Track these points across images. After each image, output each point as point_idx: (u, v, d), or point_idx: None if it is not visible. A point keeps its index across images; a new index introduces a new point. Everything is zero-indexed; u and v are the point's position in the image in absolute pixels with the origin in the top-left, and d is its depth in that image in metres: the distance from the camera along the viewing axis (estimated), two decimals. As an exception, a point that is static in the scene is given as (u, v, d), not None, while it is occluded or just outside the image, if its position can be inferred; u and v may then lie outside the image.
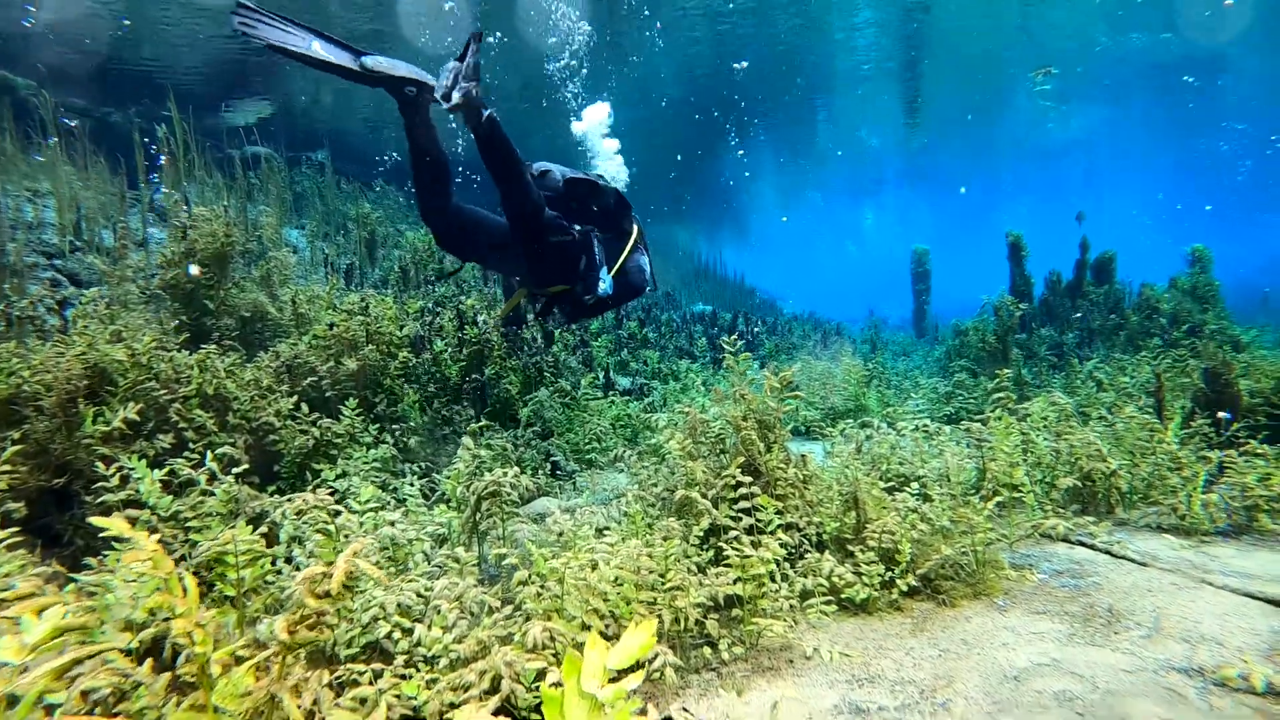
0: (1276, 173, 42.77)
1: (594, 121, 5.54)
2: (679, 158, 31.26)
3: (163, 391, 4.01)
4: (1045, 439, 4.77)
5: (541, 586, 2.74)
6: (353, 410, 4.84)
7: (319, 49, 3.84)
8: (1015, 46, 20.94)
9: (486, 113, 3.95)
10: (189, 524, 3.28)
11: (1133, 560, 3.60)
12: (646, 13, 15.79)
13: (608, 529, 4.16)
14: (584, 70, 13.80)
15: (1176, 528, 4.04)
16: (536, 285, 4.79)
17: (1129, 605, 3.02)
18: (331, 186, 13.92)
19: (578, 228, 4.60)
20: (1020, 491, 4.04)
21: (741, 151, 29.99)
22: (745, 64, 18.79)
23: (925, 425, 5.21)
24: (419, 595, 2.69)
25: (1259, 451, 4.31)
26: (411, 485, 4.42)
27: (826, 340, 13.92)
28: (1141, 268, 15.01)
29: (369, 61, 3.95)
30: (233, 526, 2.82)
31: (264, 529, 3.43)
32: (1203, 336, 9.42)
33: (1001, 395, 4.81)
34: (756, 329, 14.51)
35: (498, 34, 15.15)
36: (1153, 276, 12.62)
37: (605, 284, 4.62)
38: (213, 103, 13.44)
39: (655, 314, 14.26)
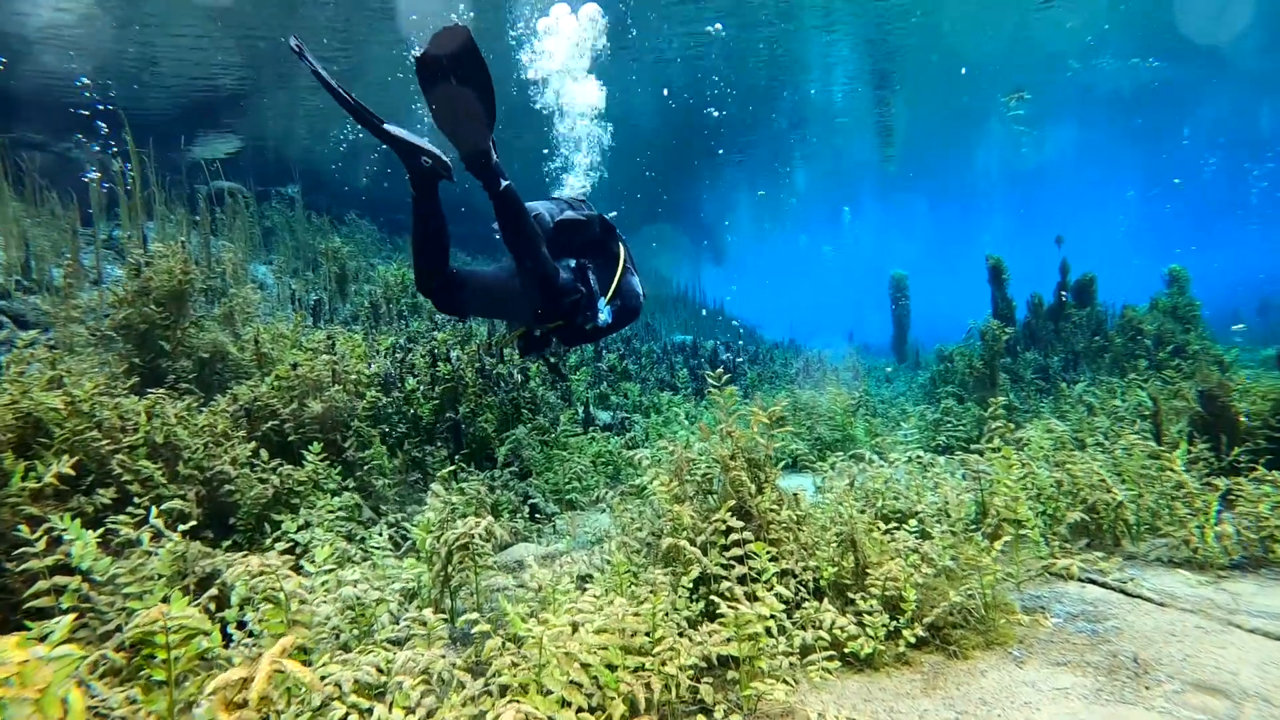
0: (1245, 184, 43.77)
1: (568, 42, 4.98)
2: (657, 190, 31.34)
3: (105, 441, 3.70)
4: (1044, 469, 4.57)
5: (518, 654, 2.47)
6: (317, 455, 4.55)
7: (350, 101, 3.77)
8: (990, 70, 21.26)
9: (505, 183, 3.92)
10: (128, 590, 2.98)
11: (1150, 600, 3.38)
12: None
13: (590, 577, 3.90)
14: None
15: (1189, 561, 3.84)
16: (537, 325, 4.67)
17: (1155, 653, 2.79)
18: (302, 221, 13.64)
19: (573, 263, 4.52)
20: (1025, 527, 3.82)
21: (721, 151, 29.83)
22: (720, 27, 18.62)
23: (919, 457, 5.01)
24: (379, 670, 2.41)
25: (1269, 478, 4.13)
26: (380, 535, 4.13)
27: (809, 368, 13.75)
28: (1120, 286, 15.06)
29: (390, 128, 3.88)
30: (166, 599, 2.52)
31: (215, 590, 3.14)
32: (1187, 357, 9.34)
33: (999, 425, 4.62)
34: (738, 358, 14.33)
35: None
36: (1131, 295, 12.64)
37: (604, 314, 4.56)
38: (182, 139, 13.17)
39: (635, 345, 14.05)
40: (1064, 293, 12.14)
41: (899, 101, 23.96)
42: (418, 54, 3.67)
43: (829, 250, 47.29)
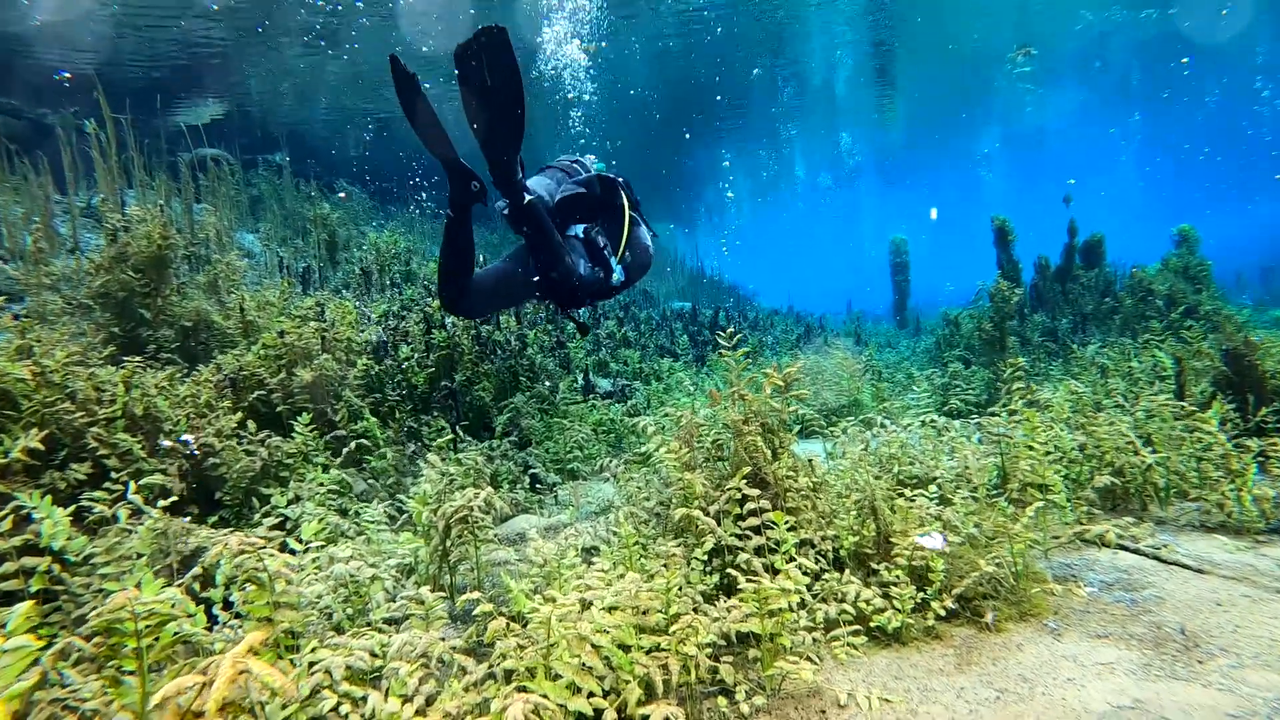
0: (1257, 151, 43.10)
1: None
2: (654, 159, 30.86)
3: (79, 414, 3.48)
4: (1067, 432, 4.38)
5: (523, 635, 2.28)
6: (306, 426, 4.34)
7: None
8: (994, 27, 20.78)
9: (529, 198, 4.02)
10: (104, 570, 2.79)
11: (1187, 566, 3.21)
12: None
13: (596, 549, 3.73)
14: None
15: (1224, 526, 3.67)
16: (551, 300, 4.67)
17: (1203, 624, 2.62)
18: (290, 188, 13.26)
19: (581, 230, 4.51)
20: (1053, 492, 3.64)
21: (719, 117, 29.54)
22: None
23: (933, 421, 4.82)
24: (373, 654, 2.22)
25: (1305, 438, 3.94)
26: (374, 508, 3.95)
27: (810, 334, 13.55)
28: (1127, 246, 14.80)
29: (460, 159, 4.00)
30: (135, 587, 2.32)
31: (199, 569, 2.96)
32: (1199, 318, 9.15)
33: (1019, 386, 4.42)
34: (739, 325, 14.10)
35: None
36: (1137, 254, 12.40)
37: (617, 273, 4.58)
38: (158, 98, 12.72)
39: (634, 312, 13.81)
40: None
41: (900, 66, 23.47)
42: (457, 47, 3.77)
43: (827, 180, 45.71)
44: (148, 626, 1.91)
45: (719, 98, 25.03)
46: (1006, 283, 7.84)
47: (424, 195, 20.35)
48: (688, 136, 29.45)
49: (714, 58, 20.80)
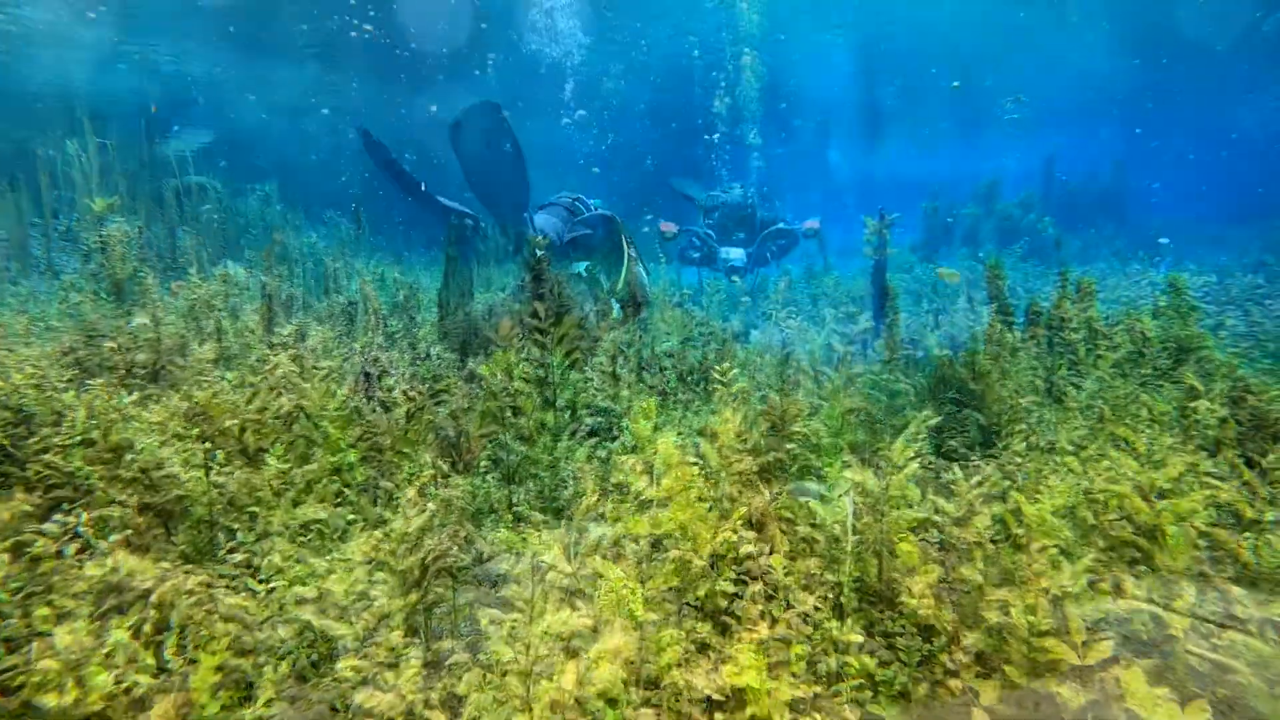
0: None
1: None
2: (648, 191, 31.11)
3: (31, 439, 3.27)
4: (1072, 476, 4.22)
5: (501, 686, 2.08)
6: (279, 457, 4.12)
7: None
8: (985, 75, 21.22)
9: (540, 255, 4.31)
10: (42, 612, 2.56)
11: (1209, 621, 3.04)
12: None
13: (581, 593, 3.53)
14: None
15: (1240, 578, 3.50)
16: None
17: (1237, 684, 2.44)
18: (278, 217, 13.13)
19: (583, 268, 4.60)
20: (1060, 538, 3.47)
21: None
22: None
23: (931, 463, 4.68)
24: (334, 709, 2.01)
25: (1318, 485, 3.81)
26: (348, 546, 3.73)
27: (801, 372, 13.42)
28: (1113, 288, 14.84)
29: (444, 201, 4.05)
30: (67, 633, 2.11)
31: (151, 610, 2.73)
32: (1194, 363, 9.07)
33: (1022, 429, 4.28)
34: (728, 362, 13.91)
35: None
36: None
37: (614, 312, 4.77)
38: (144, 123, 12.60)
39: (623, 350, 13.67)
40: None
41: (885, 96, 23.90)
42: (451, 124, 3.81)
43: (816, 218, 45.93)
44: (76, 678, 1.70)
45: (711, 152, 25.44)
46: (1001, 323, 7.74)
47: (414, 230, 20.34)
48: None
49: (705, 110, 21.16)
